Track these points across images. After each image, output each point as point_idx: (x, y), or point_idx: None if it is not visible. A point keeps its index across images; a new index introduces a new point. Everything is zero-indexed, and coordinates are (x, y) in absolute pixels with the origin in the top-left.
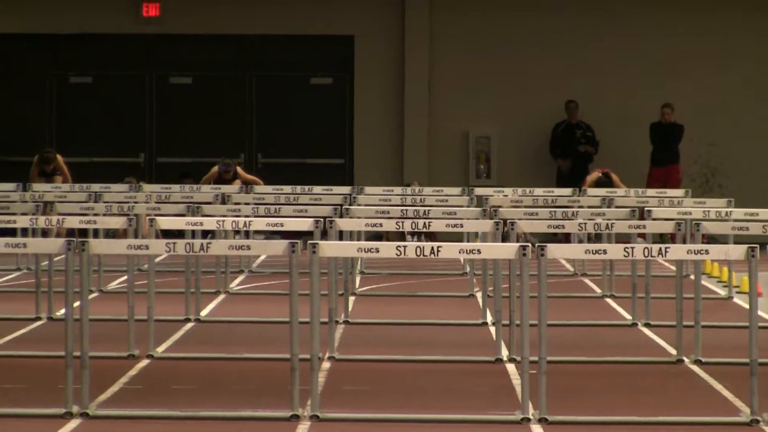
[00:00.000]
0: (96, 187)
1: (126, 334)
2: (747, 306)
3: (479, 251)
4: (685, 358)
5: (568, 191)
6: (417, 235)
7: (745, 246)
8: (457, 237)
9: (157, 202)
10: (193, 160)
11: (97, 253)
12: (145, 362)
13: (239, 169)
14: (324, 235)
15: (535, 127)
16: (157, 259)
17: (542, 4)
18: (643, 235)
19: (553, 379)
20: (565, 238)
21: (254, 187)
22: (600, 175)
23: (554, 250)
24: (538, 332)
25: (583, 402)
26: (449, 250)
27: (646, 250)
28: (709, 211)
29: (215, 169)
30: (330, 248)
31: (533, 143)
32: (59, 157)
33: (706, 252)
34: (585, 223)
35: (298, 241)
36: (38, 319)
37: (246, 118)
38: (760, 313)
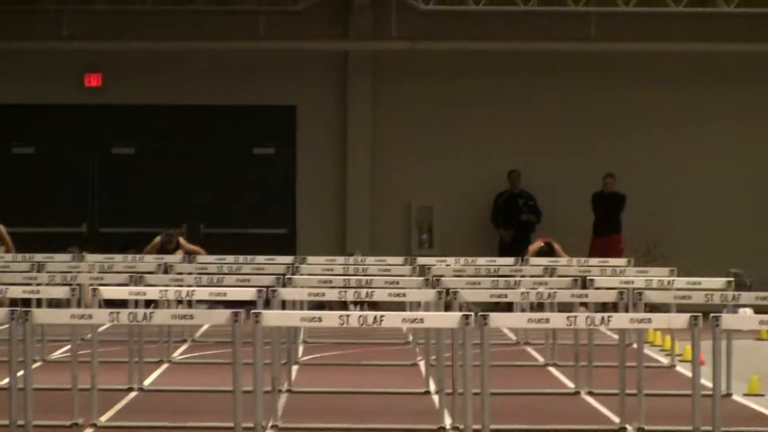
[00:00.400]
0: (39, 257)
1: (70, 403)
2: (690, 374)
3: (422, 320)
4: (628, 426)
5: (510, 260)
6: (360, 304)
7: (688, 315)
8: (400, 306)
9: (100, 272)
10: (136, 230)
11: (40, 323)
12: (89, 431)
13: (181, 240)
14: (267, 305)
15: (477, 196)
16: (101, 329)
17: (484, 72)
18: (585, 304)
19: None
20: (508, 307)
21: (197, 256)
22: (542, 245)
23: (497, 319)
24: (481, 400)
25: None
26: (392, 320)
27: (588, 319)
28: (651, 280)
29: (157, 239)
30: (273, 317)
31: (475, 213)
32: (1, 228)
33: (649, 321)
34: (528, 293)
35: (241, 310)
36: None
37: (188, 187)
38: (702, 381)
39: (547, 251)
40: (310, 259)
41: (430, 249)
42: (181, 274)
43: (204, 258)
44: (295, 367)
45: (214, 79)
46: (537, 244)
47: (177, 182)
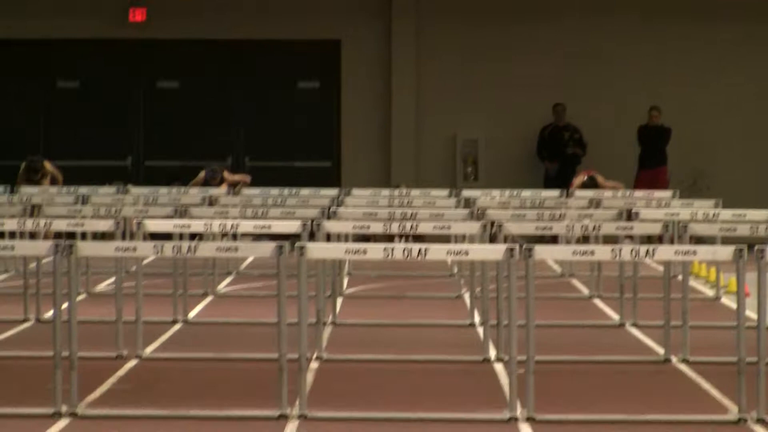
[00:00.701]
0: (84, 189)
1: (114, 336)
2: (734, 306)
3: (467, 253)
4: (672, 357)
5: (555, 193)
6: (404, 237)
7: (733, 247)
8: (444, 239)
9: (144, 205)
10: (180, 164)
11: (84, 256)
12: (133, 363)
13: (226, 173)
14: (311, 237)
15: (522, 129)
16: (145, 262)
17: (530, 8)
18: (630, 237)
19: (540, 379)
20: (553, 240)
21: (242, 188)
22: (585, 178)
23: (542, 251)
24: (526, 332)
25: (570, 401)
26: (437, 252)
27: (633, 251)
28: (696, 212)
29: (201, 174)
30: (317, 250)
31: (521, 146)
32: (47, 164)
33: (694, 253)
34: (573, 225)
35: (286, 243)
36: (26, 320)
37: (233, 121)
38: (747, 313)
39: (590, 185)
40: (355, 191)
41: (475, 181)
42: (225, 206)
43: (249, 191)
44: (339, 300)
45: (259, 13)
46: (580, 178)
47: (221, 116)
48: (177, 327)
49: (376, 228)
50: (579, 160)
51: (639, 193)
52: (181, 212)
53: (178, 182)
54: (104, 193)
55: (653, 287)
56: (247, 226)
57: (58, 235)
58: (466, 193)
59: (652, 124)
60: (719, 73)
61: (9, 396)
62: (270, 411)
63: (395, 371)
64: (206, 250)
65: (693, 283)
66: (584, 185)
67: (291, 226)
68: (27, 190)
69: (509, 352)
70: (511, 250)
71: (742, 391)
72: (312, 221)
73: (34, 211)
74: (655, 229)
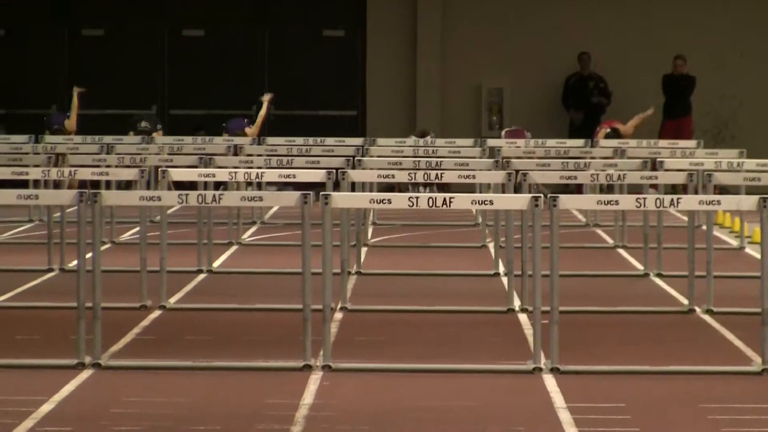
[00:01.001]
0: (108, 138)
1: (138, 286)
2: (759, 256)
3: (491, 202)
4: (696, 308)
5: (580, 142)
6: (429, 186)
7: (757, 196)
8: (469, 188)
9: (169, 154)
10: (205, 113)
11: (109, 205)
12: (157, 313)
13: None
14: (336, 187)
15: (547, 78)
16: (170, 211)
17: None
18: (655, 186)
19: (564, 329)
20: (577, 189)
21: (266, 139)
22: (608, 130)
23: (566, 201)
24: (550, 282)
25: (594, 352)
26: (461, 201)
27: (657, 201)
28: (720, 162)
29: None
30: (342, 199)
31: (546, 95)
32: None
33: (718, 203)
34: (597, 174)
35: (311, 192)
36: (50, 270)
37: (258, 70)
38: None
39: (613, 137)
40: (380, 141)
41: (500, 131)
42: (250, 156)
43: (273, 140)
44: (364, 249)
45: None
46: (603, 131)
47: (246, 64)
48: (201, 277)
49: (401, 177)
50: (604, 110)
51: (663, 143)
52: (206, 161)
53: (203, 132)
54: (129, 142)
55: (677, 237)
56: (271, 175)
57: (82, 184)
58: (491, 142)
59: (677, 74)
60: (745, 22)
61: (33, 347)
62: (294, 362)
63: (419, 322)
64: (231, 199)
65: (717, 233)
66: (607, 137)
67: (316, 175)
68: (51, 139)
69: (533, 302)
70: (536, 199)
71: (766, 342)
72: (337, 170)
73: (58, 160)
74: (680, 178)
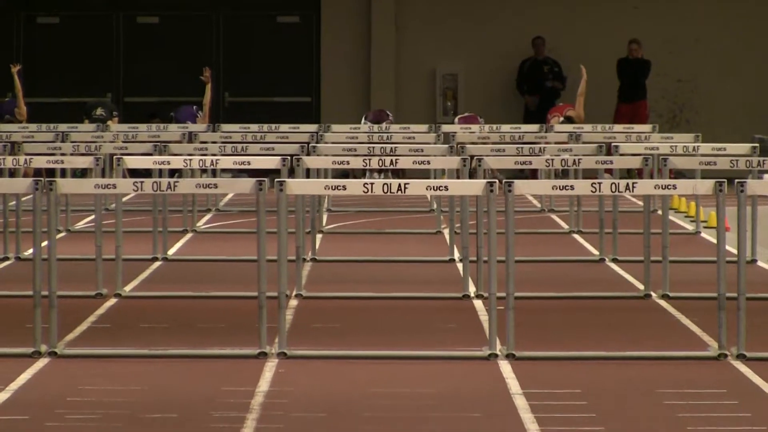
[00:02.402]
0: (63, 126)
1: (94, 274)
2: (714, 241)
3: (446, 188)
4: (652, 293)
5: (535, 127)
6: (384, 172)
7: (713, 181)
8: (424, 174)
9: (124, 142)
10: (160, 100)
11: (64, 193)
12: (113, 301)
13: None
14: (291, 173)
15: (502, 63)
16: (125, 199)
17: None
18: (610, 171)
19: (520, 315)
20: (532, 174)
21: (221, 125)
22: (561, 119)
23: (521, 186)
24: (506, 268)
25: (550, 337)
26: (416, 187)
27: (613, 186)
28: (676, 146)
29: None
30: (297, 186)
31: (500, 80)
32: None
33: (674, 187)
34: (552, 159)
35: (266, 179)
36: (6, 259)
37: (213, 57)
38: (727, 247)
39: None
40: (335, 127)
41: (454, 116)
42: (205, 143)
43: (228, 127)
44: (319, 236)
45: None
46: (556, 119)
47: (200, 51)
48: (157, 264)
49: (356, 163)
50: (558, 94)
51: (618, 127)
52: (161, 149)
53: (158, 119)
54: (84, 130)
55: (633, 222)
56: (226, 162)
57: (37, 173)
58: (446, 127)
59: (632, 58)
60: (699, 5)
61: None
62: (250, 349)
63: (375, 308)
64: (186, 186)
65: (673, 217)
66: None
67: (270, 162)
68: (6, 128)
69: (489, 288)
70: (491, 184)
71: (723, 327)
72: (291, 157)
73: (14, 148)
74: (635, 163)
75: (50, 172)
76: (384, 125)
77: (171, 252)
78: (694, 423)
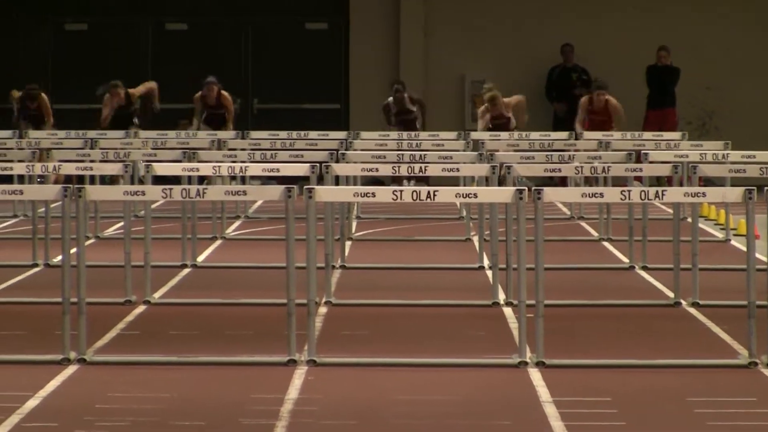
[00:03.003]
0: (92, 133)
1: (123, 280)
2: (744, 248)
3: (476, 195)
4: (682, 301)
5: (564, 134)
6: (413, 179)
7: (743, 188)
8: (453, 181)
9: (153, 148)
10: (189, 107)
11: (93, 200)
12: (142, 308)
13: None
14: (320, 180)
15: (531, 70)
16: (154, 206)
17: None
18: (639, 178)
19: (550, 323)
20: (561, 182)
21: (250, 132)
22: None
23: (551, 193)
24: (535, 276)
25: (580, 345)
26: (446, 194)
27: (642, 193)
28: (705, 153)
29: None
30: (326, 193)
31: (529, 87)
32: (43, 96)
33: (703, 195)
34: (581, 167)
35: (294, 186)
36: (35, 265)
37: (241, 64)
38: (757, 255)
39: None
40: (364, 134)
41: None
42: (233, 150)
43: (257, 134)
44: (348, 243)
45: None
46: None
47: (230, 58)
48: (186, 271)
49: (385, 170)
50: None
51: (648, 135)
52: (190, 156)
53: (186, 121)
54: (113, 137)
55: (663, 229)
56: (255, 169)
57: (67, 179)
58: (475, 135)
59: (660, 65)
60: (729, 13)
61: (18, 342)
62: (279, 356)
63: (404, 315)
64: (215, 193)
65: (702, 225)
66: None
67: (299, 169)
68: (36, 134)
69: (518, 295)
70: (520, 192)
71: (753, 335)
72: (320, 164)
73: (42, 155)
74: (665, 170)
75: (79, 179)
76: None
77: (200, 259)
78: (724, 431)
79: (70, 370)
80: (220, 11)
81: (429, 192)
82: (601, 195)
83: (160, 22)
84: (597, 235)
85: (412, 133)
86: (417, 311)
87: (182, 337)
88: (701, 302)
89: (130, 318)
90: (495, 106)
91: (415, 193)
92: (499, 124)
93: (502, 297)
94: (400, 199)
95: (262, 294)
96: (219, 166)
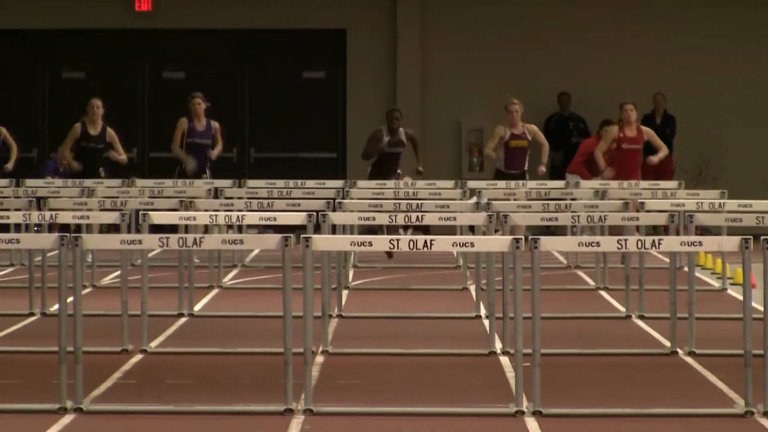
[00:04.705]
0: (89, 182)
1: (119, 329)
2: (741, 297)
3: (472, 244)
4: (679, 350)
5: (561, 183)
6: (410, 228)
7: (739, 237)
8: (450, 230)
9: (150, 197)
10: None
11: (90, 248)
12: (138, 357)
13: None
14: (317, 229)
15: (527, 119)
16: (151, 254)
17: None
18: (636, 228)
19: (546, 372)
20: (558, 231)
21: (247, 181)
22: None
23: (547, 242)
24: (532, 325)
25: (577, 394)
26: (442, 243)
27: (639, 242)
28: (702, 202)
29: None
30: (323, 242)
31: None
32: (3, 129)
33: (700, 243)
34: (578, 216)
35: (291, 235)
36: (32, 314)
37: (238, 112)
38: (753, 304)
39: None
40: (360, 183)
41: (480, 172)
42: (230, 198)
43: (254, 182)
44: (345, 292)
45: (265, 3)
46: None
47: (226, 106)
48: (182, 320)
49: (382, 219)
50: None
51: (644, 184)
52: (187, 204)
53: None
54: (109, 185)
55: (659, 278)
56: (252, 218)
57: (63, 228)
58: (472, 183)
59: (658, 110)
60: (725, 61)
61: (14, 391)
62: (275, 405)
63: (401, 365)
64: (212, 242)
65: (699, 274)
66: None
67: (296, 218)
68: (33, 183)
69: (515, 344)
70: (517, 241)
71: (749, 384)
72: (317, 213)
73: (39, 203)
74: (661, 219)
75: (76, 228)
76: (409, 180)
77: (197, 308)
78: None
79: (67, 419)
80: (218, 60)
81: (426, 241)
82: (598, 244)
83: (157, 71)
84: (594, 284)
85: (409, 181)
86: (414, 360)
87: (179, 386)
88: (698, 351)
89: (126, 367)
90: (511, 113)
91: (411, 242)
92: (517, 146)
93: (498, 346)
94: (397, 248)
95: (259, 343)
96: (216, 215)
